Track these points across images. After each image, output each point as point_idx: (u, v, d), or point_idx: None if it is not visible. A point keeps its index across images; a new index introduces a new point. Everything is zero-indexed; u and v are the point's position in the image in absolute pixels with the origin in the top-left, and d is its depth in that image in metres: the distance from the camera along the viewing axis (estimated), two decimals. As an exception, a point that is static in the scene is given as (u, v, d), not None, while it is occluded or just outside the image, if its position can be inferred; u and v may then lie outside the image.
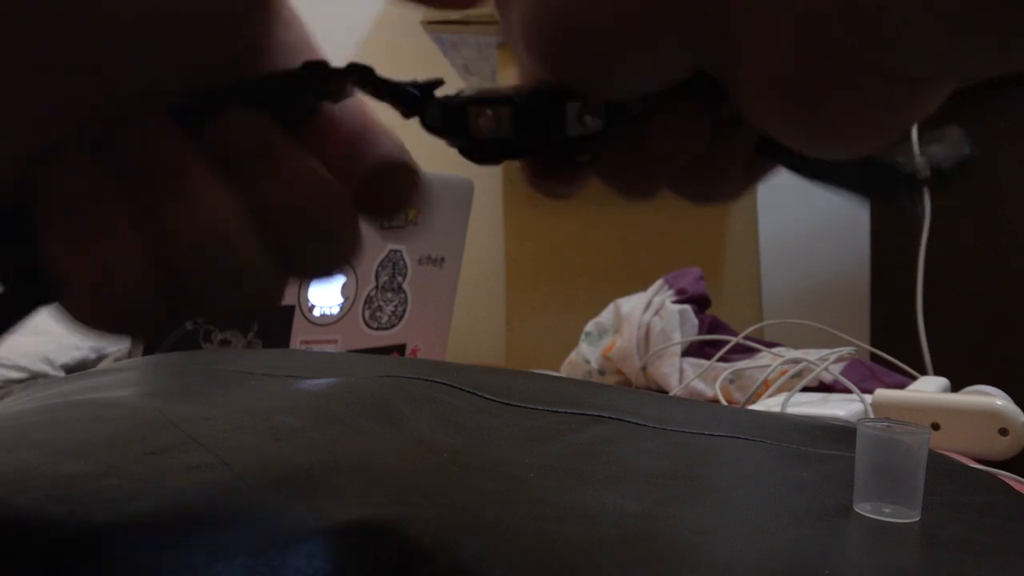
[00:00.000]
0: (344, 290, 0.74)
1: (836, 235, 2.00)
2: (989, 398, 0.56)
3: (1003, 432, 0.54)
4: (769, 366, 0.77)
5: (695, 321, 0.91)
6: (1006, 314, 1.19)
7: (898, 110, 0.18)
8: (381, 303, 0.78)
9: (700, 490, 0.32)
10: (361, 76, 0.23)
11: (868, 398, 0.60)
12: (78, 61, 0.19)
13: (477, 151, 0.24)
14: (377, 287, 0.77)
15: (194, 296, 0.20)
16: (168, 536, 0.23)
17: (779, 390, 0.73)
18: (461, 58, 1.58)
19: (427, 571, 0.22)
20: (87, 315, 0.20)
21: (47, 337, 1.35)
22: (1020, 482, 0.41)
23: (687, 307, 0.91)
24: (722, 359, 0.85)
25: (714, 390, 0.80)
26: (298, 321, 0.70)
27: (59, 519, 0.23)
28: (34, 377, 1.27)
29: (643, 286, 0.97)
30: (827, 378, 0.73)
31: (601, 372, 0.95)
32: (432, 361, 0.54)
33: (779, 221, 1.95)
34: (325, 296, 0.72)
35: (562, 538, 0.25)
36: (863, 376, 0.77)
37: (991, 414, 0.54)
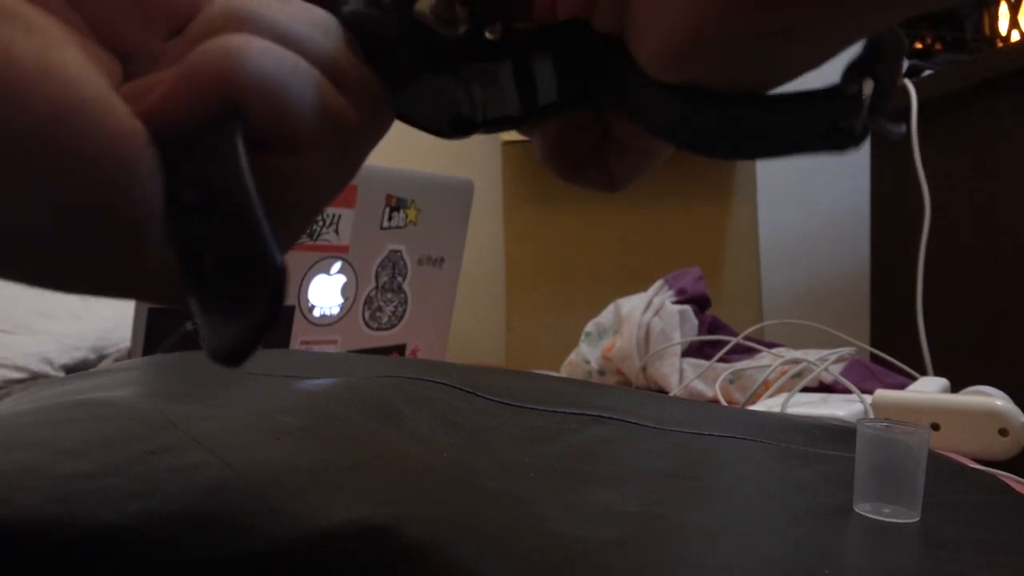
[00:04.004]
0: (344, 290, 0.74)
1: (836, 235, 2.00)
2: (989, 398, 0.56)
3: (1003, 432, 0.54)
4: (769, 366, 0.77)
5: (695, 321, 0.91)
6: (1006, 314, 1.19)
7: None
8: (381, 303, 0.78)
9: (700, 490, 0.32)
10: None
11: (868, 398, 0.60)
12: None
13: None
14: (377, 287, 0.77)
15: None
16: (168, 536, 0.23)
17: (779, 390, 0.73)
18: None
19: (427, 571, 0.22)
20: None
21: (47, 337, 1.35)
22: (1020, 482, 0.41)
23: (687, 307, 0.91)
24: (722, 359, 0.85)
25: (714, 390, 0.80)
26: (298, 321, 0.70)
27: (59, 519, 0.23)
28: (34, 377, 1.27)
29: (643, 286, 0.97)
30: (827, 378, 0.73)
31: (601, 372, 0.95)
32: (432, 361, 0.54)
33: (779, 221, 1.95)
34: (325, 296, 0.73)
35: (562, 538, 0.25)
36: (863, 376, 0.77)
37: (991, 414, 0.54)
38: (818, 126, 0.22)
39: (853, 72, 0.22)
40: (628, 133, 0.26)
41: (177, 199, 0.19)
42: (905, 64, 1.44)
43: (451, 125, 0.24)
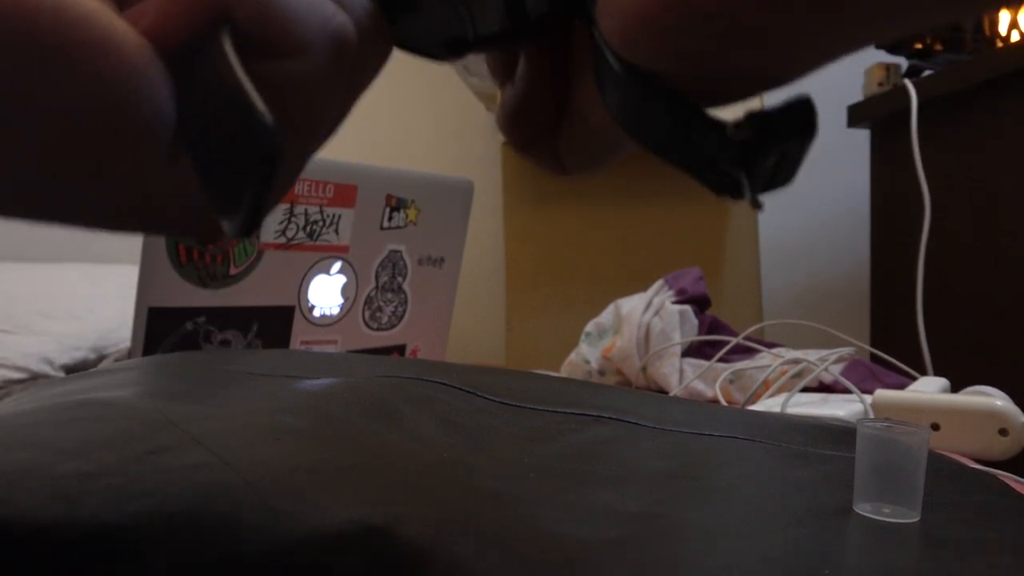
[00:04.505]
0: (344, 290, 0.74)
1: (836, 235, 2.00)
2: (989, 398, 0.56)
3: (1003, 432, 0.54)
4: (769, 366, 0.77)
5: (695, 321, 0.91)
6: (1006, 314, 1.19)
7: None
8: (381, 303, 0.78)
9: (700, 490, 0.32)
10: None
11: (868, 398, 0.60)
12: None
13: None
14: (377, 287, 0.77)
15: None
16: (168, 536, 0.23)
17: (779, 390, 0.73)
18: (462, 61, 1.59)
19: (427, 571, 0.22)
20: None
21: (47, 337, 1.35)
22: (1020, 482, 0.41)
23: (687, 307, 0.91)
24: (722, 359, 0.85)
25: (714, 390, 0.80)
26: (298, 321, 0.70)
27: (59, 519, 0.23)
28: (34, 377, 1.27)
29: (643, 286, 0.97)
30: (827, 378, 0.73)
31: (601, 372, 0.95)
32: (432, 361, 0.54)
33: (779, 221, 1.95)
34: (325, 296, 0.73)
35: (562, 538, 0.25)
36: (863, 376, 0.77)
37: (991, 414, 0.54)
38: (699, 154, 0.21)
39: (751, 123, 0.20)
40: (587, 104, 0.26)
41: (184, 110, 0.20)
42: (905, 64, 1.44)
43: (445, 46, 0.25)
